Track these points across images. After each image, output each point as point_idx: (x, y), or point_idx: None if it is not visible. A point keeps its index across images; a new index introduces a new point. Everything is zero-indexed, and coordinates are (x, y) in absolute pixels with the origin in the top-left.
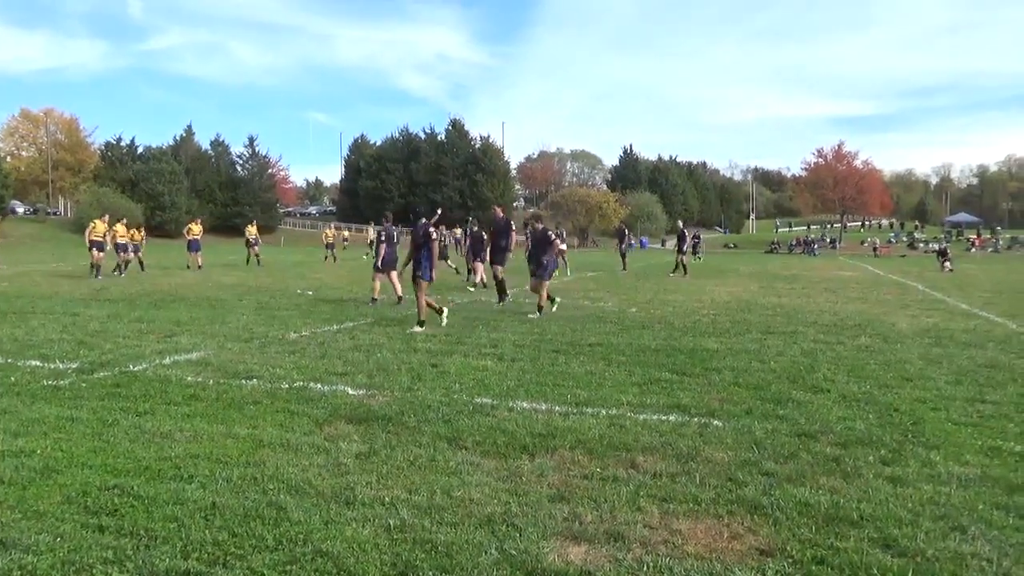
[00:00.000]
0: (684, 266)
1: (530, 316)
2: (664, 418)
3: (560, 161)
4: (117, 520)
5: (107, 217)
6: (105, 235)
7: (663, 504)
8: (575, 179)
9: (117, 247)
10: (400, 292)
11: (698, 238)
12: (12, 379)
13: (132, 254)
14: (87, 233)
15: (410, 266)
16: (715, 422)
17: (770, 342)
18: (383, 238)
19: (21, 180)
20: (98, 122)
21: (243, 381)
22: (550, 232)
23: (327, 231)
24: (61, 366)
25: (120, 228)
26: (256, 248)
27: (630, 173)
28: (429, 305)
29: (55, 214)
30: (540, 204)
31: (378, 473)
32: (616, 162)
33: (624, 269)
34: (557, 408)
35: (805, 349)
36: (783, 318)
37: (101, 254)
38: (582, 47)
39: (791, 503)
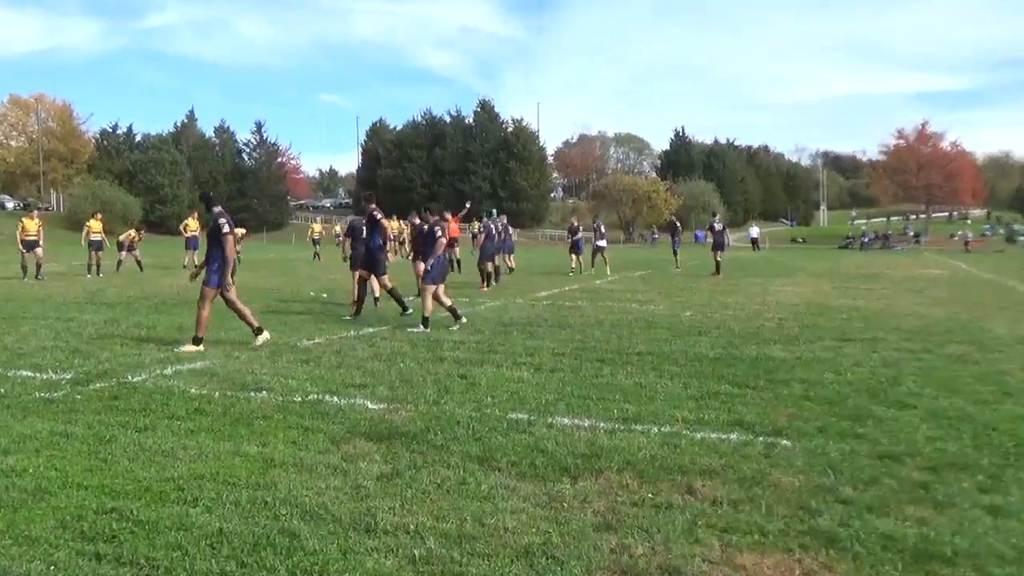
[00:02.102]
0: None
1: (454, 329)
2: (724, 437)
3: (602, 146)
4: (115, 547)
5: (36, 214)
6: (39, 232)
7: (724, 535)
8: (619, 166)
9: (91, 244)
10: (378, 293)
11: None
12: (2, 391)
13: (125, 252)
14: (17, 233)
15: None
16: (783, 442)
17: (846, 350)
18: (349, 233)
19: (10, 172)
20: (93, 108)
21: (252, 393)
22: (436, 229)
23: (314, 225)
24: (54, 376)
25: (94, 223)
26: (238, 247)
27: (682, 158)
28: (201, 321)
29: (47, 209)
30: (581, 194)
31: (402, 497)
32: (666, 146)
33: (676, 267)
34: (602, 425)
35: (887, 358)
36: (860, 323)
37: (30, 253)
38: (626, 18)
39: (873, 536)
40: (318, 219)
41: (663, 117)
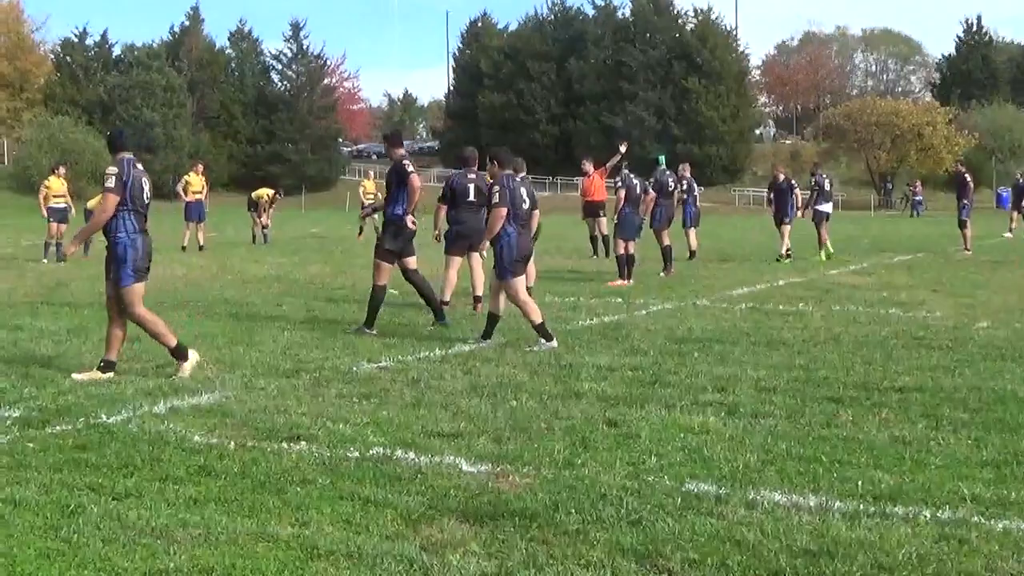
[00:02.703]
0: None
1: (477, 345)
2: None
3: (842, 51)
4: None
5: None
6: None
7: None
8: (871, 83)
9: (50, 212)
10: (479, 290)
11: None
12: None
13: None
14: None
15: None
16: None
17: None
18: (445, 196)
19: None
20: (49, 7)
21: (284, 445)
22: (494, 191)
23: (365, 182)
24: None
25: (55, 182)
26: (265, 219)
27: (976, 70)
28: (112, 338)
29: None
30: (804, 130)
31: None
32: (949, 50)
33: (966, 249)
34: (838, 504)
35: None
36: None
37: None
38: None
39: None
40: (371, 173)
41: (942, 3)
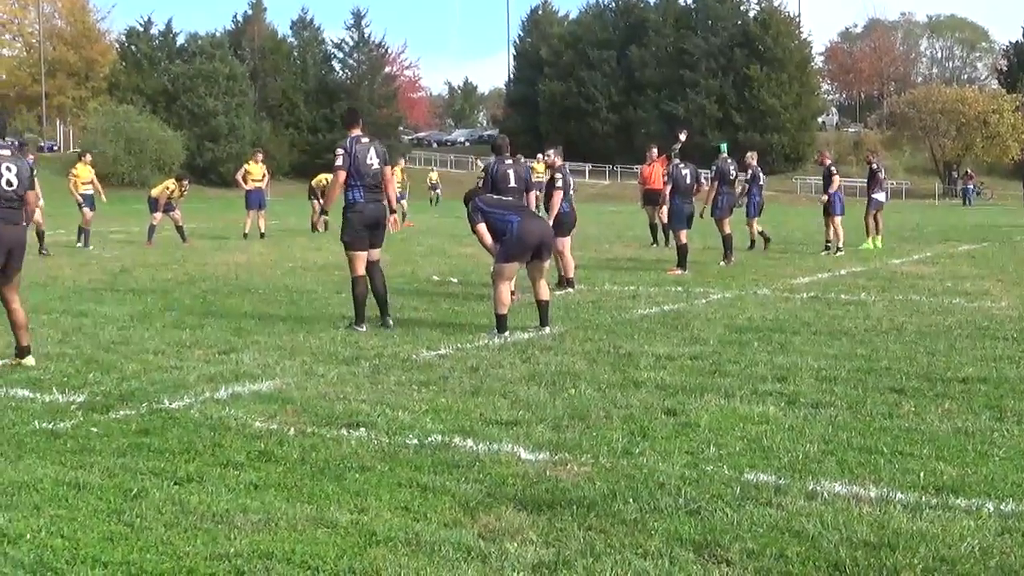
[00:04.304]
0: None
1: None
2: None
3: (907, 38)
4: None
5: (32, 158)
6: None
7: None
8: (936, 71)
9: (83, 199)
10: (571, 272)
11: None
12: None
13: (159, 214)
14: None
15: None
16: None
17: None
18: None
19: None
20: None
21: (344, 431)
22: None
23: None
24: (60, 399)
25: (83, 170)
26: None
27: None
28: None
29: (51, 149)
30: (867, 117)
31: None
32: (1017, 37)
33: None
34: (899, 496)
35: None
36: None
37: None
38: None
39: None
40: (401, 163)
41: None
